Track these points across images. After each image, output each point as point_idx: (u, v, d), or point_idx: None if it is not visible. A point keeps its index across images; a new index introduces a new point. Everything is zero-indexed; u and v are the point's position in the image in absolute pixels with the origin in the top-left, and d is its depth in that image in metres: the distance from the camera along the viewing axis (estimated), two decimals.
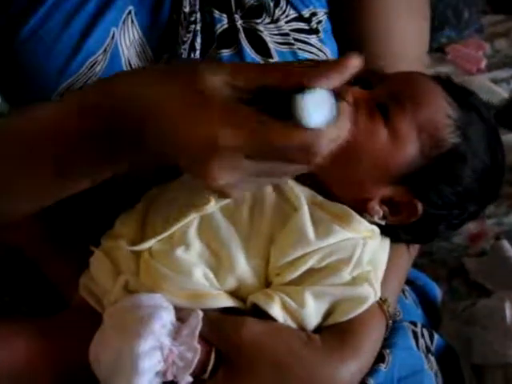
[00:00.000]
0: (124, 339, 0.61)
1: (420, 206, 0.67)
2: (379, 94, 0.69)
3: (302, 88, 0.51)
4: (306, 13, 0.75)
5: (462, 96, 0.70)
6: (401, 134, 0.66)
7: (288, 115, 0.51)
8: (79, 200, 0.75)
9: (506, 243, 1.09)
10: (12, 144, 0.65)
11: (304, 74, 0.51)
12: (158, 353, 0.61)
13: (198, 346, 0.61)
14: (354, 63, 0.52)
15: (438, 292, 0.91)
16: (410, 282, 0.88)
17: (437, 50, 1.66)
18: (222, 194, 0.54)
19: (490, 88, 1.51)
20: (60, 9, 0.70)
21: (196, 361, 0.61)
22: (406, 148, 0.66)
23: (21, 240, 0.80)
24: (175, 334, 0.62)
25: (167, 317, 0.62)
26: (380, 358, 0.68)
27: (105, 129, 0.57)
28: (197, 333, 0.62)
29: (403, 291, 0.84)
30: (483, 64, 1.61)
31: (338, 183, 0.67)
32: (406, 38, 0.78)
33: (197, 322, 0.62)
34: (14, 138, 0.65)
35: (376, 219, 0.67)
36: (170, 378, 0.62)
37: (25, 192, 0.67)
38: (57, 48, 0.70)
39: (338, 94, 0.54)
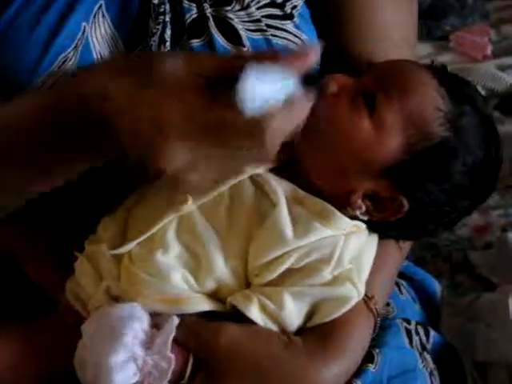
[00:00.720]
0: (98, 353, 0.62)
1: (406, 203, 0.66)
2: (366, 82, 0.67)
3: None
4: None
5: (455, 86, 0.69)
6: (385, 124, 0.65)
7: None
8: (65, 204, 0.76)
9: (511, 236, 1.07)
10: None
11: (255, 56, 0.51)
12: (132, 364, 0.61)
13: (172, 356, 0.61)
14: (314, 51, 0.52)
15: (437, 287, 0.90)
16: (407, 277, 0.87)
17: (441, 38, 1.65)
18: (179, 182, 0.54)
19: (496, 75, 1.49)
20: (30, 5, 0.70)
21: (171, 370, 0.62)
22: (391, 139, 0.65)
23: (9, 244, 0.80)
24: (149, 343, 0.62)
25: (139, 326, 0.62)
26: (368, 359, 0.67)
27: (67, 127, 0.58)
28: (170, 341, 0.62)
29: (398, 287, 0.84)
30: (489, 50, 1.59)
31: (320, 174, 0.66)
32: (389, 17, 0.78)
33: (171, 329, 0.63)
34: None
35: (358, 214, 0.66)
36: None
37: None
38: (28, 45, 0.70)
39: (313, 82, 0.53)
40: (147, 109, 0.53)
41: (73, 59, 0.71)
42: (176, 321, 0.63)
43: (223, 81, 0.51)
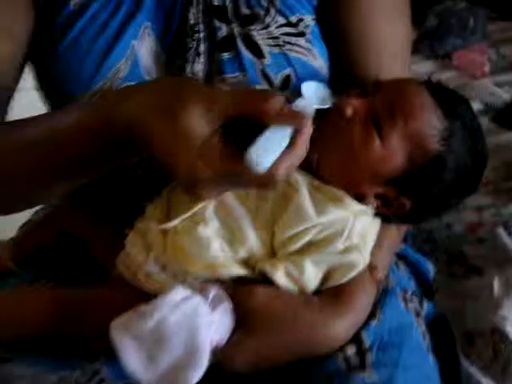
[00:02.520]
0: (188, 336, 0.68)
1: (408, 203, 0.77)
2: (375, 106, 0.76)
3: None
4: (293, 19, 0.82)
5: (449, 105, 0.78)
6: (392, 145, 0.74)
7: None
8: (116, 193, 0.86)
9: (502, 231, 1.16)
10: (25, 152, 0.74)
11: (266, 115, 0.60)
12: (209, 329, 0.69)
13: (231, 308, 0.71)
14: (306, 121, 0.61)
15: (430, 266, 0.99)
16: (404, 257, 0.96)
17: (444, 56, 1.70)
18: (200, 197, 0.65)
19: (493, 91, 1.57)
20: (91, 25, 0.80)
21: (231, 323, 0.71)
22: (397, 157, 0.75)
23: (72, 226, 0.90)
24: (211, 307, 0.71)
25: (202, 299, 0.71)
26: (372, 315, 0.77)
27: (109, 140, 0.67)
28: (226, 301, 0.71)
29: (396, 264, 0.93)
30: (487, 68, 1.65)
31: (339, 182, 0.76)
32: (388, 33, 0.85)
33: (223, 296, 0.72)
34: (27, 146, 0.74)
35: (369, 207, 0.77)
36: (214, 343, 0.70)
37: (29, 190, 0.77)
38: (89, 57, 0.80)
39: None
40: (182, 157, 0.61)
41: (124, 70, 0.80)
42: (219, 287, 0.72)
43: (238, 139, 0.61)
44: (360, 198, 0.77)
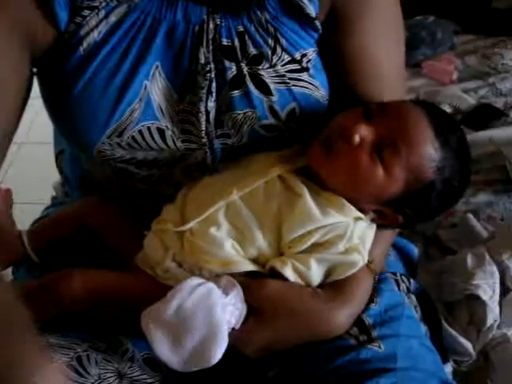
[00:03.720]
0: (204, 315, 0.73)
1: (401, 218, 0.83)
2: (379, 135, 0.78)
3: None
4: (297, 56, 0.82)
5: (445, 132, 0.80)
6: (393, 174, 0.78)
7: None
8: (134, 196, 0.91)
9: (471, 216, 1.30)
10: None
11: None
12: (224, 311, 0.74)
13: (243, 296, 0.76)
14: None
15: (415, 250, 1.07)
16: (392, 244, 0.98)
17: (415, 65, 1.83)
18: None
19: (460, 96, 1.68)
20: (103, 68, 0.78)
21: (244, 306, 0.76)
22: (396, 185, 0.79)
23: (96, 223, 0.94)
24: (224, 293, 0.76)
25: (214, 285, 0.76)
26: (371, 300, 0.84)
27: None
28: (240, 289, 0.76)
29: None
30: (455, 76, 1.77)
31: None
32: (384, 58, 0.87)
33: (232, 281, 0.77)
34: None
35: (366, 217, 0.82)
36: (231, 325, 0.75)
37: None
38: (103, 100, 0.78)
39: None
40: None
41: (138, 110, 0.79)
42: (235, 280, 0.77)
43: None
44: (361, 211, 0.81)
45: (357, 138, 0.77)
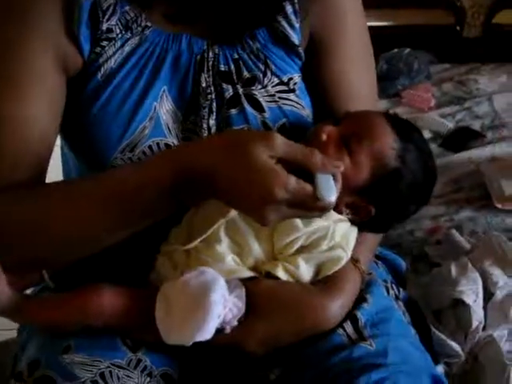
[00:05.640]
0: (200, 291, 0.79)
1: (373, 209, 0.89)
2: (345, 132, 0.87)
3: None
4: (285, 78, 0.93)
5: (403, 129, 0.90)
6: (359, 161, 0.86)
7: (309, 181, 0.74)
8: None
9: (455, 232, 1.38)
10: (91, 203, 0.81)
11: (320, 166, 0.76)
12: (222, 301, 0.79)
13: (244, 295, 0.81)
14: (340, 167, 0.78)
15: (403, 264, 1.14)
16: (382, 258, 1.10)
17: (394, 95, 1.91)
18: (265, 224, 0.77)
19: (439, 121, 1.77)
20: (118, 92, 0.88)
21: (244, 308, 0.81)
22: (363, 171, 0.86)
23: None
24: (229, 290, 0.82)
25: (224, 280, 0.82)
26: (364, 300, 0.89)
27: (182, 188, 0.77)
28: (243, 288, 0.82)
29: (376, 263, 1.05)
30: (432, 103, 1.85)
31: None
32: (358, 85, 0.98)
33: (239, 283, 0.83)
34: (90, 198, 0.82)
35: (344, 216, 0.89)
36: (226, 320, 0.80)
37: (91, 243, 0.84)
38: (117, 119, 0.88)
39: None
40: (257, 186, 0.72)
41: (148, 128, 0.88)
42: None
43: (297, 171, 0.74)
44: (334, 208, 0.84)
45: (324, 136, 0.86)
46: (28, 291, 0.98)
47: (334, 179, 0.77)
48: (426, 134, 1.71)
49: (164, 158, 0.82)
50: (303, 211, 0.76)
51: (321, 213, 0.77)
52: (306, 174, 0.76)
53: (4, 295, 0.84)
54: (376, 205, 0.88)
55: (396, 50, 2.01)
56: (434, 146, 1.67)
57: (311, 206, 0.75)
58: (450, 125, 1.76)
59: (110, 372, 0.82)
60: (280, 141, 0.75)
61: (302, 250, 0.87)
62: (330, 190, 0.76)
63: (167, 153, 0.87)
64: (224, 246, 0.86)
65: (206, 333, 0.79)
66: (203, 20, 0.92)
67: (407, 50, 2.01)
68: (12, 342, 1.05)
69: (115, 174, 0.85)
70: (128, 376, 0.83)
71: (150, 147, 0.89)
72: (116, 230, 0.84)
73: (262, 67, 0.92)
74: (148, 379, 0.85)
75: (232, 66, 0.91)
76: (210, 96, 0.90)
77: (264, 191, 0.72)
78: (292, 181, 0.73)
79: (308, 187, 0.74)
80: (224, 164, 0.75)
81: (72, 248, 0.85)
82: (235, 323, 0.82)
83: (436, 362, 1.04)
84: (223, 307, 0.80)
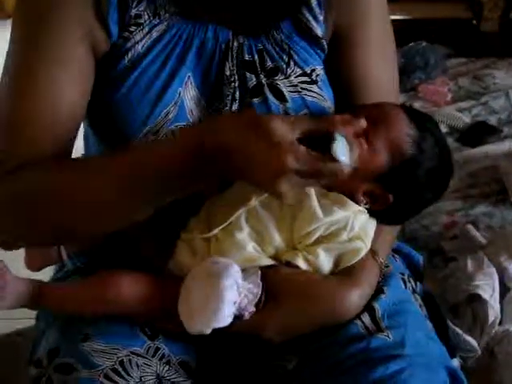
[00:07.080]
0: (212, 279, 0.81)
1: (390, 197, 0.88)
2: (363, 122, 0.87)
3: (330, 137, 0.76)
4: (307, 70, 0.93)
5: (419, 121, 0.90)
6: (377, 148, 0.87)
7: (324, 150, 0.75)
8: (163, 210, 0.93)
9: (471, 227, 1.38)
10: (114, 177, 0.82)
11: (336, 127, 0.78)
12: (235, 287, 0.80)
13: (261, 282, 0.82)
14: (362, 123, 0.82)
15: (420, 258, 1.10)
16: (399, 252, 1.07)
17: (410, 89, 1.92)
18: (280, 197, 0.76)
19: (455, 115, 1.77)
20: (143, 77, 0.89)
21: (260, 293, 0.82)
22: (380, 157, 0.87)
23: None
24: (244, 277, 0.83)
25: (237, 267, 0.83)
26: (381, 291, 0.89)
27: (199, 163, 0.78)
28: (259, 273, 0.83)
29: (393, 256, 1.03)
30: (449, 97, 1.86)
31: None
32: (381, 79, 0.98)
33: (256, 270, 0.84)
34: (114, 172, 0.82)
35: (362, 206, 0.88)
36: (242, 306, 0.80)
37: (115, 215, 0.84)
38: (143, 103, 0.89)
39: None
40: (264, 156, 0.73)
41: (173, 112, 0.89)
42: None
43: (313, 140, 0.75)
44: (352, 197, 0.89)
45: (349, 130, 0.86)
46: (46, 279, 0.99)
47: (351, 149, 0.79)
48: (443, 129, 1.71)
49: (187, 132, 0.86)
50: (315, 180, 0.77)
51: (332, 177, 0.77)
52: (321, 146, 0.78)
53: (19, 283, 0.86)
54: (393, 192, 0.89)
55: (412, 43, 2.02)
56: (450, 141, 1.68)
57: (323, 172, 0.76)
58: (467, 119, 1.77)
59: (130, 360, 0.83)
60: (296, 116, 0.77)
61: (321, 240, 0.87)
62: (346, 154, 0.77)
63: (189, 129, 0.90)
64: (245, 234, 0.87)
65: (223, 319, 0.80)
66: (228, 10, 0.93)
67: (424, 44, 2.02)
68: (29, 330, 1.05)
69: (139, 148, 0.87)
70: (147, 364, 0.84)
71: (172, 132, 0.90)
72: (139, 203, 0.84)
73: (286, 58, 0.93)
74: (167, 367, 0.86)
75: (256, 56, 0.92)
76: (233, 84, 0.91)
77: (275, 162, 0.74)
78: (302, 149, 0.75)
79: (319, 154, 0.76)
80: (239, 138, 0.76)
81: (98, 217, 0.86)
82: (252, 309, 0.82)
83: (452, 355, 1.03)
84: (238, 293, 0.81)
